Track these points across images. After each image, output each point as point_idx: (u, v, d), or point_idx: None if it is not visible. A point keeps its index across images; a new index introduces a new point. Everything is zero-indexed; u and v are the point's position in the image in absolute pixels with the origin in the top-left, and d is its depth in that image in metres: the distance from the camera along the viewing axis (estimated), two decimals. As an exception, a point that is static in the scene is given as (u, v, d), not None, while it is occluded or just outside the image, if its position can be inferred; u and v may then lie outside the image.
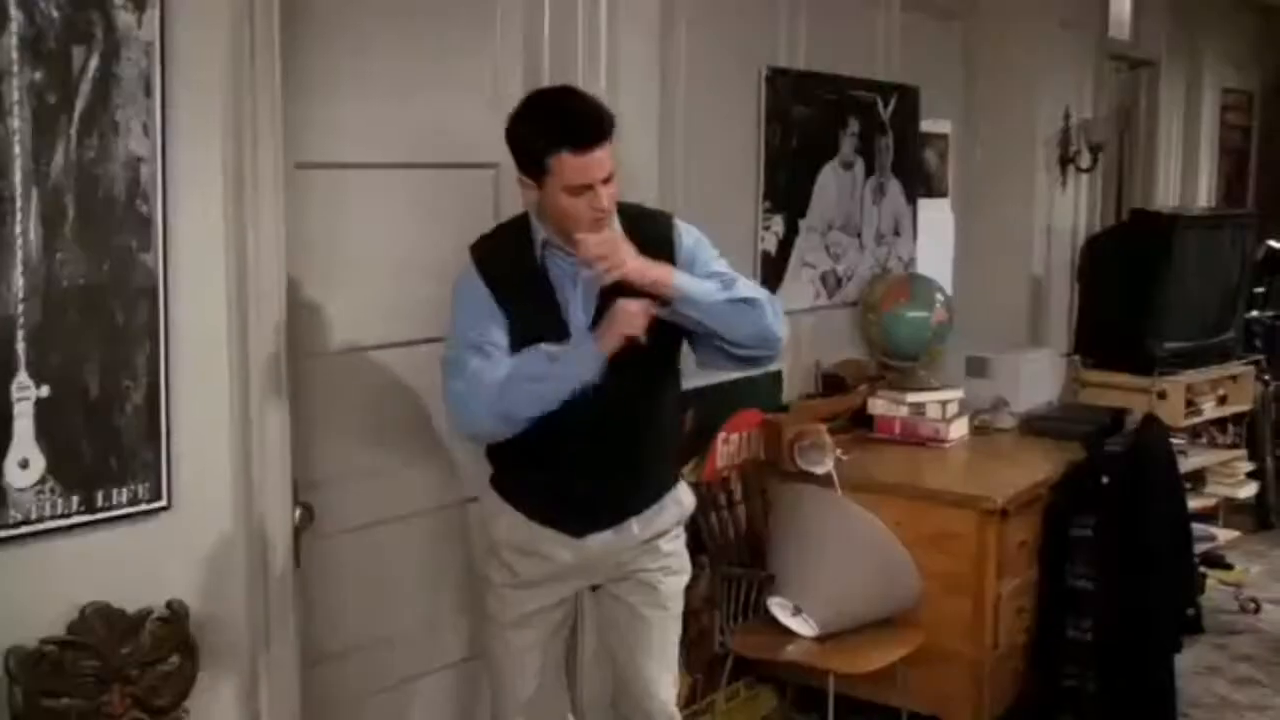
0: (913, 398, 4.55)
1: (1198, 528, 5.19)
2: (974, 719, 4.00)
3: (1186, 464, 5.22)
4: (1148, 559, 4.23)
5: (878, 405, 4.58)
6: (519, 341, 2.69)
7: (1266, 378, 6.71)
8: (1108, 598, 4.15)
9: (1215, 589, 5.47)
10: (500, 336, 2.70)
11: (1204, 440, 5.60)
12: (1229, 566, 5.60)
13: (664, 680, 3.00)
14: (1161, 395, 5.19)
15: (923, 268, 5.07)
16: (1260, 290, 7.10)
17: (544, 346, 2.67)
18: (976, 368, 4.90)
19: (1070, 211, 5.86)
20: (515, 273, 2.73)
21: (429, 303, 3.22)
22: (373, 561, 3.17)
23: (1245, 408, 5.87)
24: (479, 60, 3.34)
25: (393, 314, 3.15)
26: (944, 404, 4.56)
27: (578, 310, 2.73)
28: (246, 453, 2.68)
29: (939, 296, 4.65)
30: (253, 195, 2.63)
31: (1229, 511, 5.96)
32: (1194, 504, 5.29)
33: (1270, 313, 7.22)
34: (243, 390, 2.66)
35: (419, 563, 3.30)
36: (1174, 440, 5.01)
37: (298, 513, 2.86)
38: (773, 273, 4.34)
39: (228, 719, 2.69)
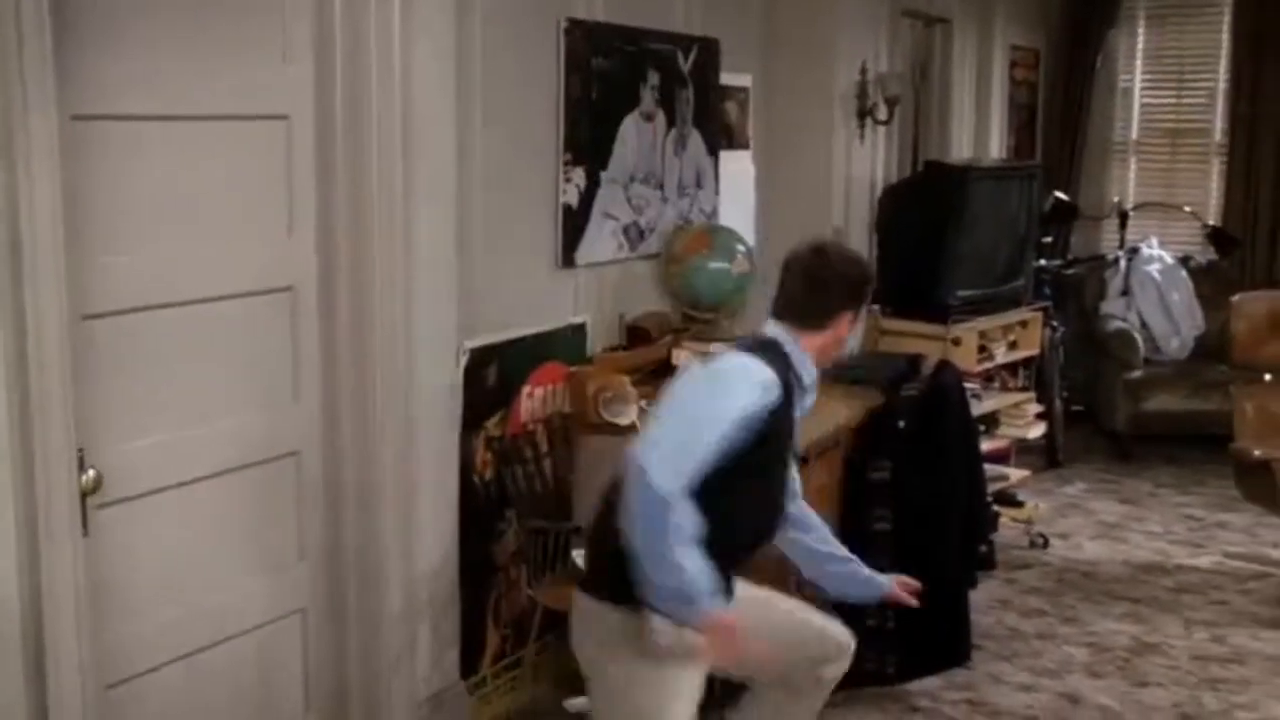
0: (716, 348, 4.58)
1: (990, 468, 5.39)
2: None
3: (979, 407, 5.41)
4: (943, 499, 4.38)
5: (682, 356, 4.61)
6: (754, 452, 2.74)
7: (1054, 324, 7.00)
8: (904, 538, 4.28)
9: (1007, 526, 5.70)
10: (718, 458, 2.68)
11: (996, 384, 5.80)
12: (1020, 504, 5.84)
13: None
14: (956, 342, 5.36)
15: (725, 219, 5.12)
16: (1048, 240, 7.40)
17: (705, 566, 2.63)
18: (778, 317, 4.97)
19: (868, 163, 5.98)
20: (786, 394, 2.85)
21: (220, 259, 3.15)
22: (167, 526, 3.08)
23: (1034, 352, 6.11)
24: (268, 11, 3.25)
25: (183, 271, 3.06)
26: (749, 354, 4.62)
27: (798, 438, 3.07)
28: (25, 419, 2.58)
29: (740, 247, 4.71)
30: (24, 149, 2.52)
31: (1020, 452, 6.21)
32: (986, 445, 5.49)
33: (1057, 262, 7.52)
34: (18, 353, 2.56)
35: (215, 526, 3.23)
36: (967, 384, 5.18)
37: (85, 478, 2.78)
38: (574, 225, 4.34)
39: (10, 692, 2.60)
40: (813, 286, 2.97)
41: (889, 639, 4.26)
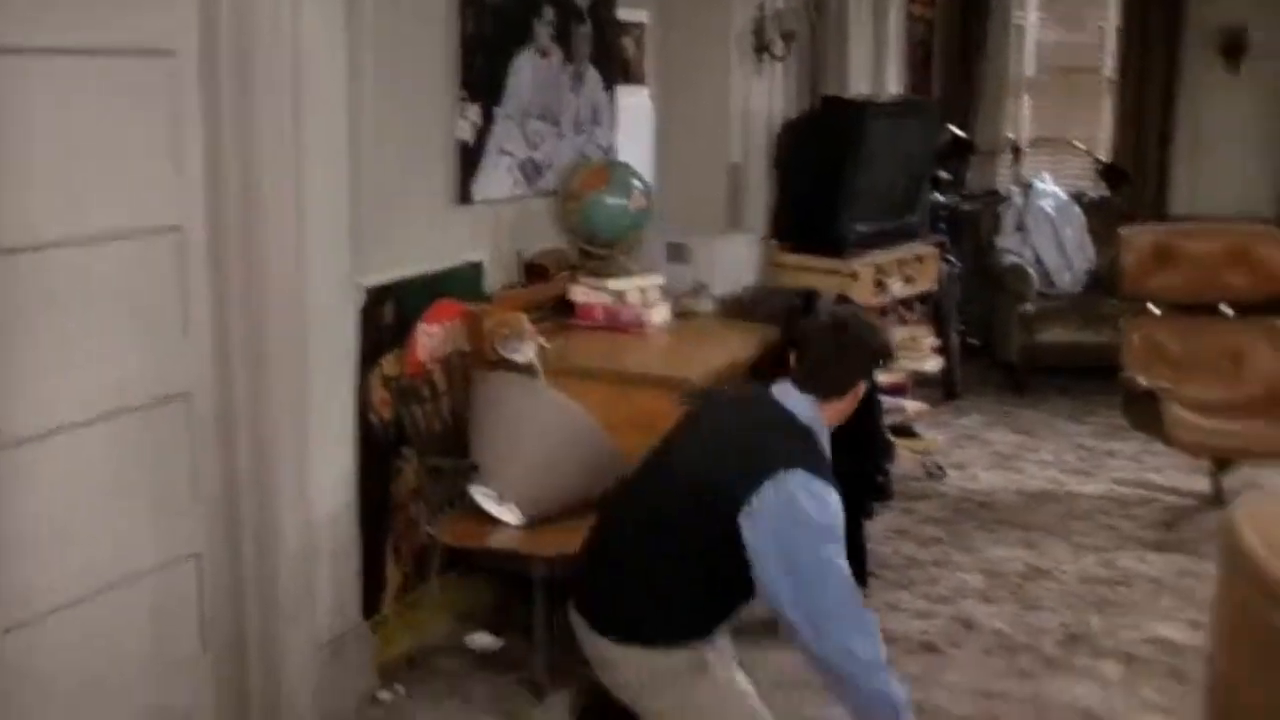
0: (614, 284, 4.61)
1: (888, 400, 5.47)
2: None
3: (876, 341, 5.47)
4: (840, 431, 4.42)
5: (579, 293, 4.62)
6: None
7: (950, 259, 7.09)
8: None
9: (904, 457, 5.79)
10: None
11: (893, 318, 5.87)
12: (917, 436, 5.93)
13: None
14: (853, 276, 5.41)
15: (622, 155, 5.11)
16: (944, 176, 7.48)
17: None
18: (676, 253, 4.99)
19: (766, 99, 5.97)
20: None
21: (102, 198, 3.07)
22: (55, 471, 3.02)
23: (931, 287, 6.18)
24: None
25: (63, 210, 2.98)
26: (644, 290, 4.64)
27: None
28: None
29: (637, 183, 4.70)
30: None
31: (917, 384, 6.30)
32: (884, 378, 5.56)
33: (954, 197, 7.61)
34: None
35: (104, 470, 3.17)
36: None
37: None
38: (470, 162, 4.30)
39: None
40: (838, 360, 3.06)
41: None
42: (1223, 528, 3.15)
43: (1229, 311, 5.81)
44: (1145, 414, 5.43)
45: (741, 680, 3.00)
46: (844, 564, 2.85)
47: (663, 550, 2.91)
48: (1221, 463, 5.65)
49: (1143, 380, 5.40)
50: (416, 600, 4.14)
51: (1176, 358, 5.68)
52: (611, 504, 3.19)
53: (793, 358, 3.11)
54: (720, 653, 2.98)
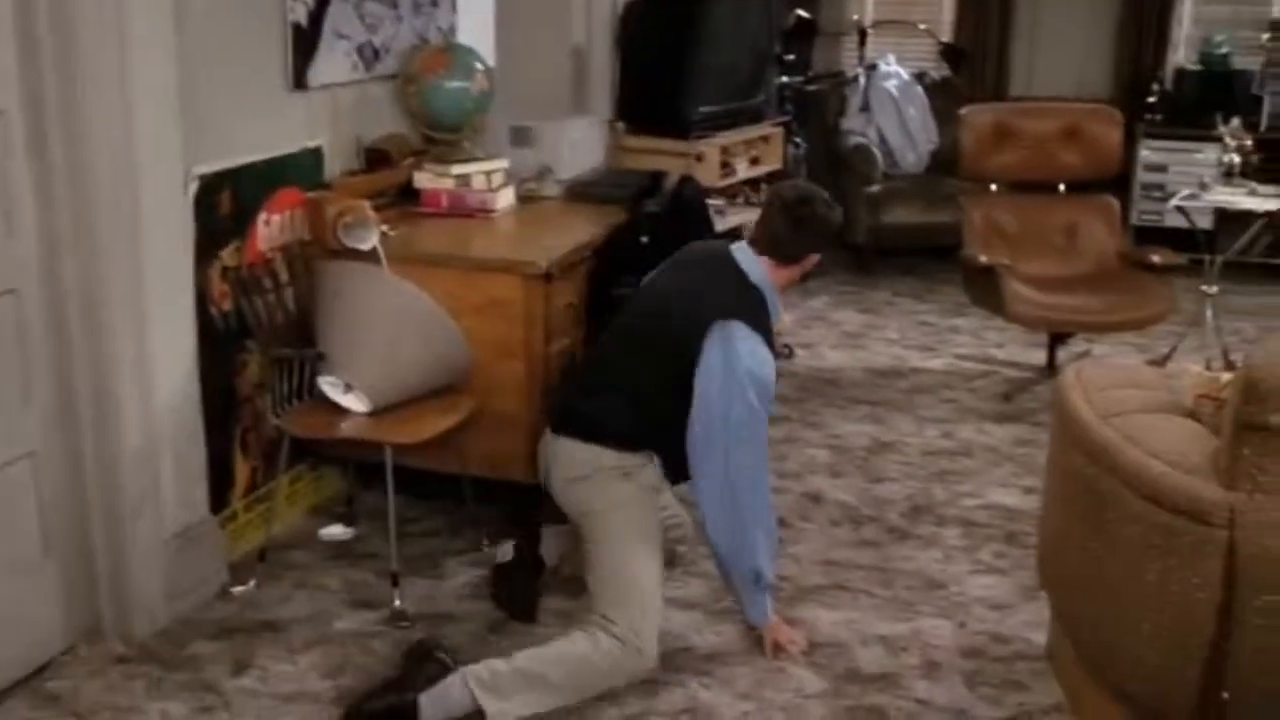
0: (458, 169, 4.54)
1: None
2: (532, 477, 4.13)
3: (724, 222, 5.50)
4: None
5: (423, 179, 4.54)
6: None
7: (796, 140, 7.13)
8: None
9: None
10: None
11: (740, 200, 5.89)
12: (765, 317, 6.00)
13: None
14: (699, 158, 5.41)
15: (463, 38, 5.00)
16: (790, 57, 7.48)
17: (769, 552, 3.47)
18: (521, 137, 4.92)
19: (609, -21, 5.91)
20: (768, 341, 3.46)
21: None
22: None
23: (776, 167, 6.21)
24: None
25: None
26: (489, 174, 4.58)
27: None
28: None
29: (479, 66, 4.61)
30: None
31: (765, 266, 6.36)
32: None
33: (799, 78, 7.63)
34: None
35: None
36: (712, 201, 5.26)
37: None
38: (305, 46, 4.17)
39: None
40: (796, 229, 3.50)
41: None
42: (1053, 396, 3.27)
43: (1063, 189, 5.94)
44: (985, 290, 5.56)
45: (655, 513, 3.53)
46: (765, 420, 3.39)
47: (639, 367, 3.46)
48: (1057, 335, 5.84)
49: (983, 258, 5.52)
50: (267, 494, 4.10)
51: (1014, 235, 5.81)
52: (608, 329, 3.72)
53: (756, 221, 3.62)
54: (653, 479, 3.50)
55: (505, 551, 3.78)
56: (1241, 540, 2.57)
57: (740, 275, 3.50)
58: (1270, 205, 5.91)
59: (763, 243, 3.54)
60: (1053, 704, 3.28)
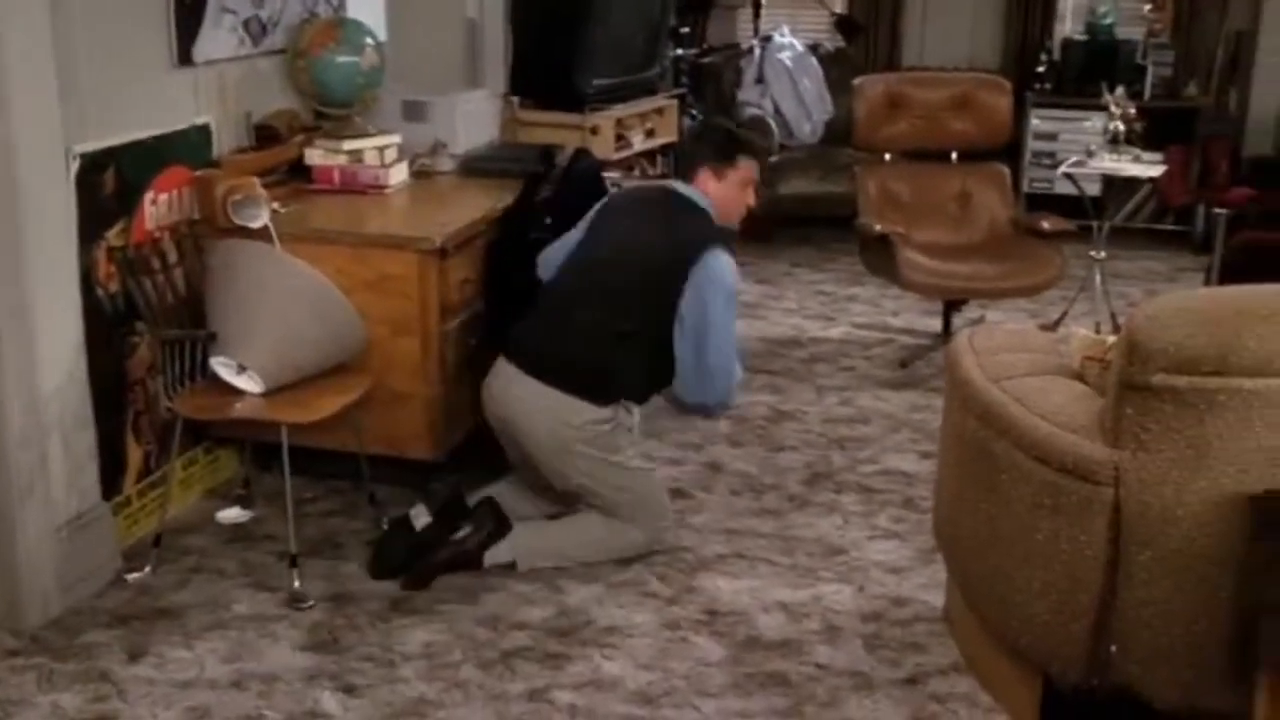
0: (350, 145, 4.48)
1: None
2: (431, 454, 4.13)
3: (620, 196, 5.50)
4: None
5: (315, 155, 4.48)
6: None
7: (693, 112, 7.15)
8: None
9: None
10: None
11: (636, 172, 5.89)
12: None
13: None
14: (594, 131, 5.40)
15: (353, 11, 4.92)
16: (685, 29, 7.50)
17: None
18: (414, 112, 4.87)
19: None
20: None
21: None
22: None
23: (672, 139, 6.22)
24: None
25: None
26: (382, 150, 4.53)
27: None
28: None
29: (369, 40, 4.55)
30: None
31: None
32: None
33: (694, 50, 7.65)
34: None
35: None
36: (608, 174, 5.25)
37: None
38: (189, 20, 4.08)
39: None
40: (720, 131, 4.14)
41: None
42: (946, 361, 3.31)
43: (955, 157, 6.02)
44: (880, 259, 5.62)
45: (644, 456, 3.96)
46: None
47: (614, 318, 3.73)
48: (952, 302, 5.92)
49: (877, 227, 5.57)
50: (161, 478, 4.03)
51: (908, 204, 5.88)
52: (562, 278, 3.96)
53: (682, 155, 4.18)
54: (633, 425, 3.87)
55: (420, 514, 3.76)
56: (1126, 497, 2.63)
57: (687, 204, 3.88)
58: (1154, 171, 6.05)
59: (693, 162, 3.95)
60: (950, 664, 3.34)
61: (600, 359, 3.75)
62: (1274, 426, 2.49)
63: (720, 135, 4.07)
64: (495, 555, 3.75)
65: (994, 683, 3.19)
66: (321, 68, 4.45)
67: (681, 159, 3.96)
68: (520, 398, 3.76)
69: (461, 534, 3.71)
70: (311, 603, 3.60)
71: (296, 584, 3.64)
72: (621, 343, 3.75)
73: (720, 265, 3.74)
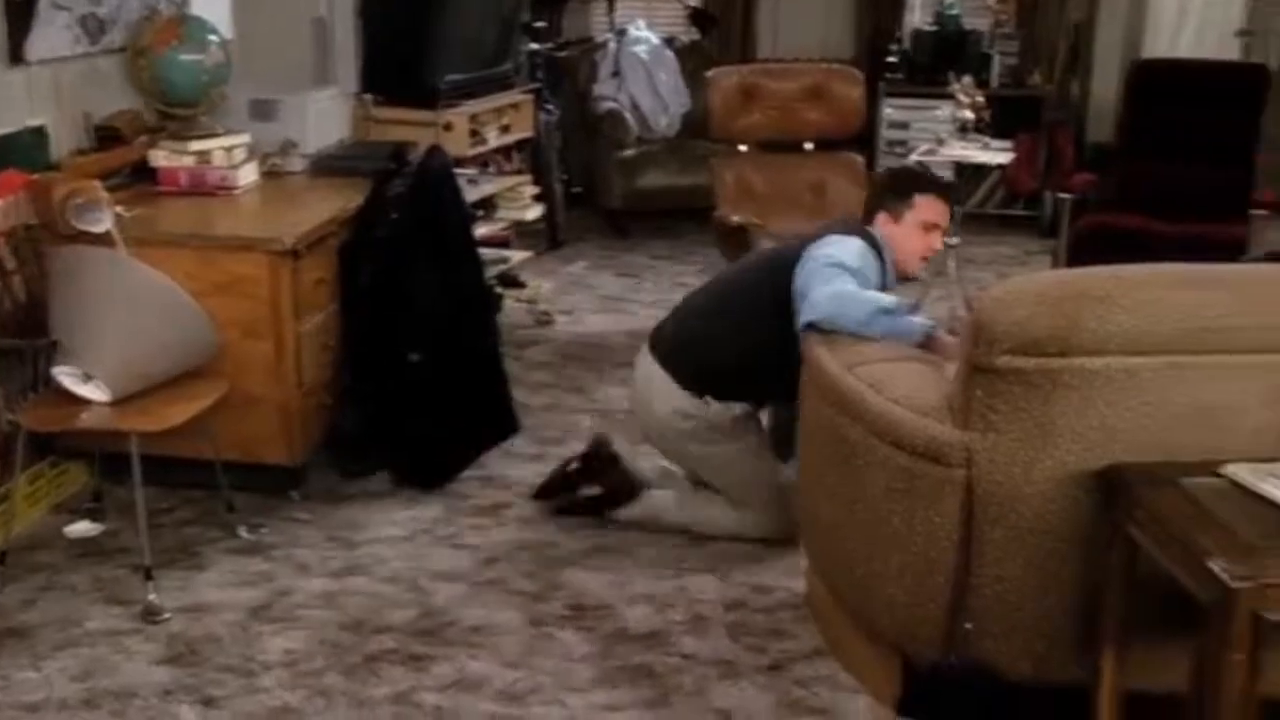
0: (196, 146, 4.39)
1: (492, 251, 5.50)
2: (288, 459, 4.07)
3: (477, 191, 5.48)
4: (439, 285, 4.41)
5: (160, 156, 4.38)
6: None
7: (549, 106, 7.13)
8: (408, 325, 4.30)
9: (512, 307, 5.85)
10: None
11: (491, 168, 5.86)
12: (523, 285, 6.00)
13: None
14: (447, 127, 5.35)
15: (197, 8, 4.81)
16: (540, 23, 7.47)
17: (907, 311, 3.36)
18: (262, 111, 4.78)
19: (349, -53, 5.77)
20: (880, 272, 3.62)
21: None
22: None
23: (528, 135, 6.20)
24: None
25: None
26: (230, 150, 4.45)
27: None
28: None
29: (213, 37, 4.45)
30: None
31: (522, 234, 6.35)
32: (487, 229, 5.58)
33: (549, 45, 7.62)
34: None
35: None
36: (463, 170, 5.22)
37: None
38: (20, 17, 3.95)
39: None
40: (893, 175, 4.14)
41: (411, 427, 4.31)
42: (802, 349, 3.35)
43: (810, 147, 6.08)
44: (739, 249, 5.63)
45: (766, 454, 3.94)
46: (845, 282, 3.37)
47: (733, 319, 3.78)
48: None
49: (735, 217, 5.60)
50: (4, 494, 3.89)
51: (764, 194, 5.92)
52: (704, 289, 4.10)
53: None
54: (757, 426, 3.94)
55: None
56: (977, 478, 2.67)
57: (863, 230, 3.72)
58: (1002, 158, 6.19)
59: (872, 206, 3.80)
60: (813, 648, 3.38)
61: (700, 351, 3.84)
62: (1114, 404, 2.55)
63: (901, 174, 4.00)
64: (626, 514, 4.04)
65: (855, 664, 3.23)
66: (164, 66, 4.35)
67: (865, 205, 3.87)
68: (641, 378, 3.97)
69: (587, 493, 4.08)
70: (168, 615, 3.51)
71: (151, 597, 3.54)
72: (723, 337, 3.81)
73: (831, 241, 3.58)
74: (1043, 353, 2.55)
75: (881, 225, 3.74)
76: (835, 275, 3.38)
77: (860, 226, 3.75)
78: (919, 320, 3.36)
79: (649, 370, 3.93)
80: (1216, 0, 8.12)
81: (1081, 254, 5.66)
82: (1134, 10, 8.05)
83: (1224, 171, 6.16)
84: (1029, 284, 2.73)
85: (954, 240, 6.11)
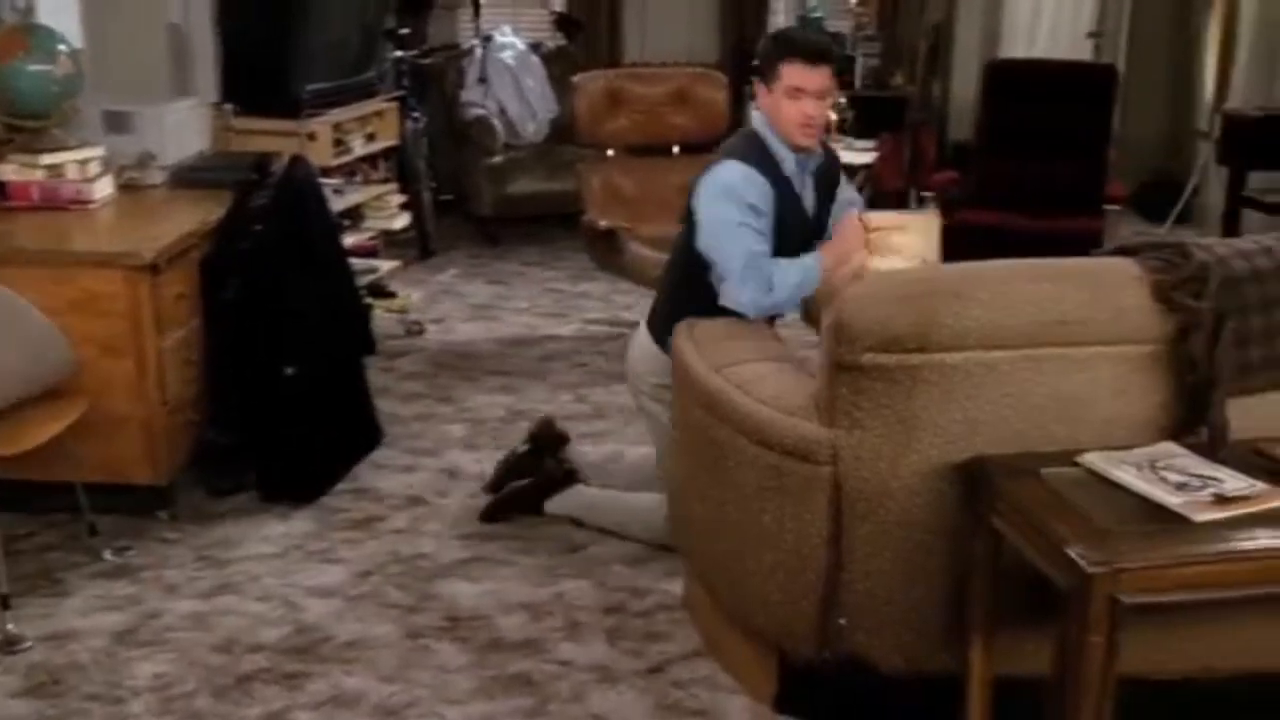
0: (48, 159, 4.26)
1: (360, 261, 5.43)
2: (154, 478, 3.98)
3: (343, 201, 5.41)
4: (311, 297, 4.35)
5: (9, 170, 4.24)
6: (775, 234, 3.48)
7: (415, 114, 7.07)
8: (282, 338, 4.23)
9: (382, 317, 5.79)
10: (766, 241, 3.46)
11: (357, 178, 5.79)
12: (393, 295, 5.94)
13: None
14: (311, 137, 5.27)
15: (44, 17, 4.67)
16: (405, 30, 7.40)
17: (798, 263, 3.47)
18: (117, 122, 4.66)
19: (205, -45, 5.66)
20: (777, 181, 3.50)
21: None
22: None
23: (393, 143, 6.14)
24: None
25: None
26: (84, 163, 4.33)
27: (812, 204, 3.67)
28: None
29: (62, 47, 4.32)
30: None
31: (391, 244, 6.30)
32: (355, 239, 5.52)
33: (415, 52, 7.56)
34: None
35: None
36: (328, 180, 5.15)
37: None
38: None
39: None
40: (762, 43, 3.70)
41: (288, 442, 4.24)
42: (670, 352, 3.37)
43: (677, 151, 6.11)
44: (608, 254, 5.67)
45: None
46: (743, 230, 3.42)
47: (671, 268, 3.76)
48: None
49: (603, 222, 5.62)
50: None
51: (633, 198, 5.95)
52: None
53: None
54: None
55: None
56: (844, 474, 2.72)
57: (742, 132, 3.69)
58: (867, 158, 6.30)
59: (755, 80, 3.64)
60: (691, 649, 3.39)
61: (658, 301, 3.79)
62: (974, 397, 2.61)
63: (766, 42, 3.68)
64: (558, 505, 4.08)
65: (733, 664, 3.26)
66: (11, 77, 4.22)
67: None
68: (634, 334, 3.89)
69: (516, 485, 4.15)
70: (29, 644, 3.40)
71: (10, 626, 3.43)
72: (668, 285, 3.77)
73: (714, 172, 3.51)
74: (903, 349, 2.60)
75: (761, 99, 3.59)
76: (739, 245, 3.41)
77: (739, 135, 3.69)
78: (810, 260, 3.50)
79: (640, 326, 3.89)
80: (1068, 3, 8.36)
81: (946, 250, 5.77)
82: (990, 12, 8.25)
83: (1079, 168, 6.34)
84: (888, 282, 2.79)
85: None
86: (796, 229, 3.56)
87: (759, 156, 3.51)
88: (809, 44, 3.55)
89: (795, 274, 3.45)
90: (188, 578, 3.74)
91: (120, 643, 3.42)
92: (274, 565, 3.82)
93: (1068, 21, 8.38)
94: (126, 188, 4.51)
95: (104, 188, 4.37)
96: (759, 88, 3.58)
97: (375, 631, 3.48)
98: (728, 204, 3.44)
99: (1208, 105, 7.78)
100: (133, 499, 3.99)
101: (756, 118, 3.63)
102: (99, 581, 3.73)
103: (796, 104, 3.48)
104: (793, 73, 3.47)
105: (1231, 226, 6.86)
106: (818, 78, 3.49)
